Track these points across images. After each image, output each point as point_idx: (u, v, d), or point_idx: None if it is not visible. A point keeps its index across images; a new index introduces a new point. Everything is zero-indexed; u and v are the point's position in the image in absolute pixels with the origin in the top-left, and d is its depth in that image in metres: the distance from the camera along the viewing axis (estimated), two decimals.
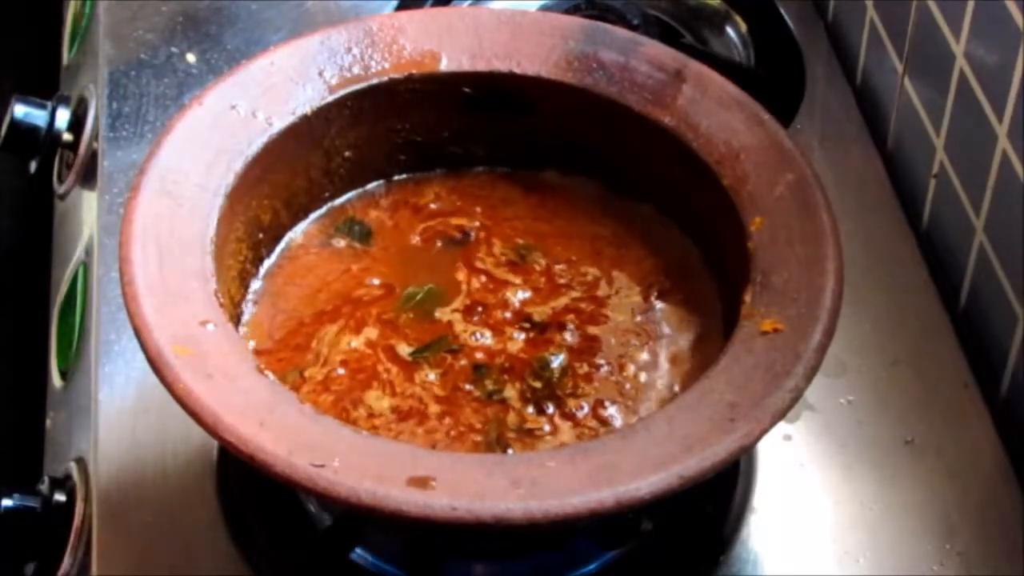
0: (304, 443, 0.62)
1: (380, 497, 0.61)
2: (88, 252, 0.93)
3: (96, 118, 0.98)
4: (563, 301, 0.77)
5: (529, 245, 0.79)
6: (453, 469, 0.62)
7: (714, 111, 0.76)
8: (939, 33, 0.87)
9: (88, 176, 0.98)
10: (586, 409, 0.72)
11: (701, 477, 0.62)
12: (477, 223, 0.81)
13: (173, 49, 1.03)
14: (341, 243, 0.80)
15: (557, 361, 0.74)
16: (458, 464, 0.63)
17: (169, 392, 0.64)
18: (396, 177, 0.83)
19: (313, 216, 0.81)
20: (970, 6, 0.83)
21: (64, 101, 1.01)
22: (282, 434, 0.63)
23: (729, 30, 1.05)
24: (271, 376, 0.67)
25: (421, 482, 0.61)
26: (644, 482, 0.61)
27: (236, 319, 0.74)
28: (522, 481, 0.61)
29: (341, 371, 0.73)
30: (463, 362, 0.74)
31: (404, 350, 0.74)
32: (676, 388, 0.73)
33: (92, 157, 0.98)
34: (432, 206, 0.82)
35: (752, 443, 0.64)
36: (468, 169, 0.83)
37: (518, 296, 0.77)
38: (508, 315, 0.76)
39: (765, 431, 0.64)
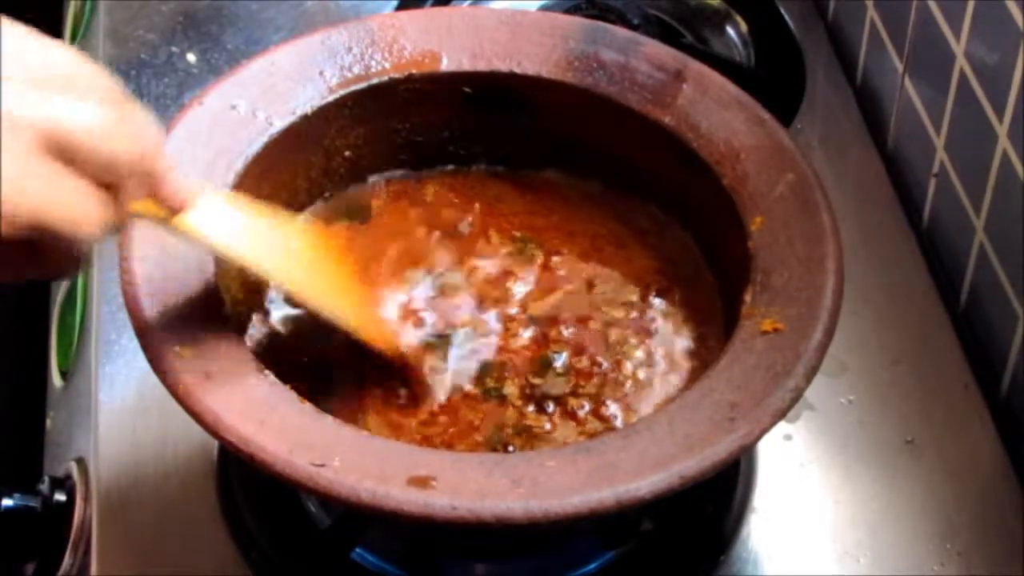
0: (304, 442, 0.62)
1: (380, 496, 0.61)
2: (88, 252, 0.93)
3: None
4: (561, 298, 0.77)
5: (526, 237, 0.79)
6: (453, 469, 0.62)
7: (714, 111, 0.76)
8: (939, 33, 0.87)
9: None
10: (587, 408, 0.72)
11: (702, 476, 0.62)
12: (470, 218, 0.80)
13: (173, 49, 1.03)
14: (342, 224, 0.79)
15: (560, 360, 0.74)
16: (458, 464, 0.63)
17: (169, 392, 0.64)
18: (396, 177, 0.83)
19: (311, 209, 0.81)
20: (970, 6, 0.83)
21: None
22: (282, 434, 0.63)
23: (729, 30, 1.05)
24: (271, 376, 0.67)
25: (421, 482, 0.61)
26: (644, 481, 0.61)
27: (237, 318, 0.74)
28: (522, 480, 0.61)
29: None
30: None
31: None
32: (676, 387, 0.73)
33: None
34: (429, 201, 0.82)
35: (753, 442, 0.64)
36: (468, 168, 0.83)
37: (517, 291, 0.77)
38: (512, 311, 0.76)
39: (765, 430, 0.64)
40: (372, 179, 0.82)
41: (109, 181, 0.55)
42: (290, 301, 0.75)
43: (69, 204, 0.54)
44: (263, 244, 0.68)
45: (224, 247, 0.65)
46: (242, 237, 0.66)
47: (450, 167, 0.83)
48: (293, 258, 0.71)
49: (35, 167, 0.53)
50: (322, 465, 0.61)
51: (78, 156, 0.54)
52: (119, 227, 0.59)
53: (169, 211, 0.61)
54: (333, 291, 0.73)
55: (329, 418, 0.65)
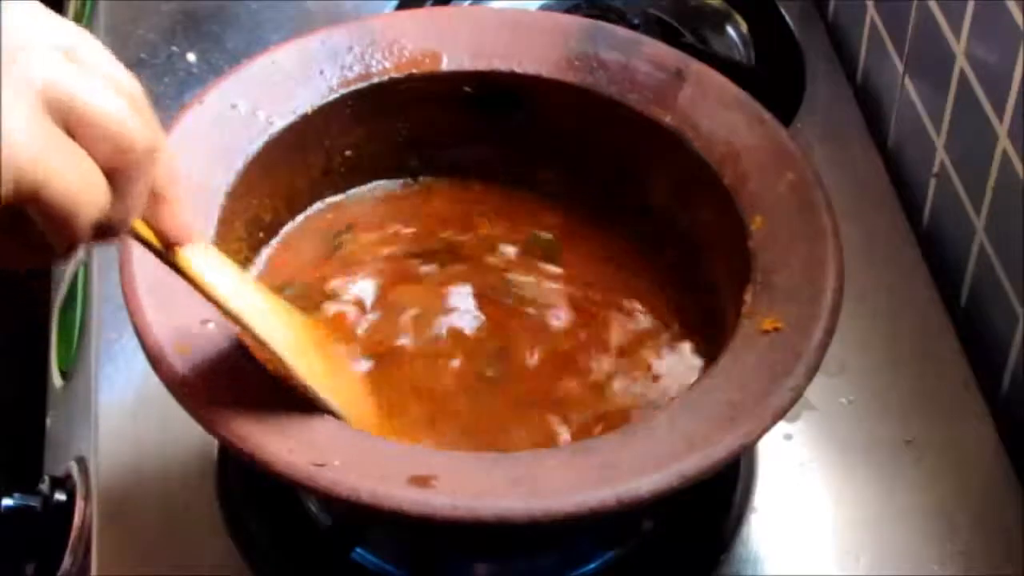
0: (305, 442, 0.62)
1: (381, 496, 0.60)
2: (88, 252, 0.93)
3: None
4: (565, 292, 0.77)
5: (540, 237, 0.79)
6: (453, 468, 0.62)
7: (715, 111, 0.76)
8: (939, 33, 0.87)
9: None
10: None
11: (702, 475, 0.62)
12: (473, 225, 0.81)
13: (173, 49, 1.03)
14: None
15: None
16: (458, 463, 0.63)
17: (169, 391, 0.64)
18: (397, 177, 0.83)
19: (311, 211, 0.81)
20: (970, 6, 0.83)
21: None
22: (282, 433, 0.62)
23: (729, 29, 1.05)
24: (269, 376, 0.67)
25: (422, 481, 0.61)
26: (645, 480, 0.61)
27: None
28: (523, 480, 0.61)
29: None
30: None
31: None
32: (676, 388, 0.73)
33: None
34: (430, 205, 0.82)
35: (753, 441, 0.64)
36: (468, 167, 0.83)
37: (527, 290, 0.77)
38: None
39: (766, 429, 0.64)
40: (371, 185, 0.82)
41: (116, 167, 0.52)
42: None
43: (71, 177, 0.50)
44: (259, 308, 0.65)
45: (222, 297, 0.62)
46: (240, 293, 0.64)
47: (451, 167, 0.83)
48: (287, 331, 0.67)
49: (41, 128, 0.49)
50: (322, 465, 0.61)
51: (89, 132, 0.51)
52: (117, 230, 0.55)
53: (167, 241, 0.59)
54: (324, 372, 0.69)
55: (329, 418, 0.65)
